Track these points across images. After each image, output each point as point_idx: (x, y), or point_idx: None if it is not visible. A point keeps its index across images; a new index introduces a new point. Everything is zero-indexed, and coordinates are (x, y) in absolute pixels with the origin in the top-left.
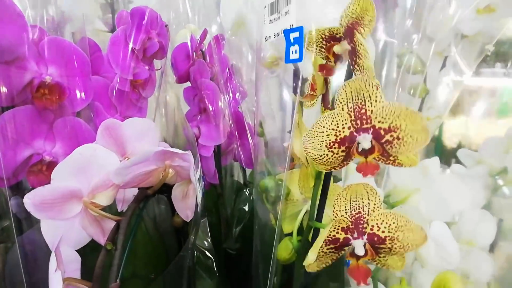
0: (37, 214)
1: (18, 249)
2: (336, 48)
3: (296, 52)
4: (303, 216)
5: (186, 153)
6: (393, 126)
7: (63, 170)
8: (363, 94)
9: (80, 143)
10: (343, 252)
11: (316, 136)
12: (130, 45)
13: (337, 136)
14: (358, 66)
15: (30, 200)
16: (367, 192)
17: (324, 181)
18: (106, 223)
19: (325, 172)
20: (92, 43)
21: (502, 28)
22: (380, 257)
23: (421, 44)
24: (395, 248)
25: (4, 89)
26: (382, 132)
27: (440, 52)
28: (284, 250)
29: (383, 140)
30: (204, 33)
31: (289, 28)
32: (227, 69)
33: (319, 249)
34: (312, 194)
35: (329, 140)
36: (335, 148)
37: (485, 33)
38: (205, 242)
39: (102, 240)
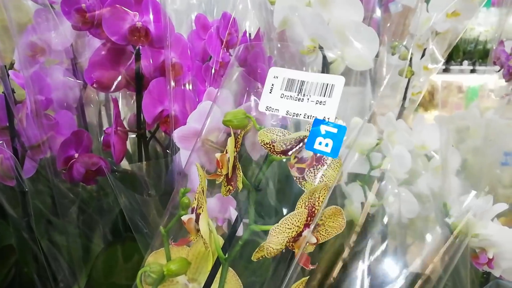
0: (179, 144)
1: (170, 165)
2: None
3: (327, 146)
4: None
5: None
6: (322, 223)
7: (193, 117)
8: (315, 195)
9: (185, 103)
10: None
11: (283, 232)
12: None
13: (297, 232)
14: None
15: (176, 134)
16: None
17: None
18: (212, 154)
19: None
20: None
21: (464, 27)
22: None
23: (406, 39)
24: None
25: (150, 67)
26: (316, 227)
27: (421, 45)
28: None
29: (315, 232)
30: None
31: (322, 119)
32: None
33: None
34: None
35: (291, 236)
36: (289, 243)
37: (452, 30)
38: None
39: (208, 167)
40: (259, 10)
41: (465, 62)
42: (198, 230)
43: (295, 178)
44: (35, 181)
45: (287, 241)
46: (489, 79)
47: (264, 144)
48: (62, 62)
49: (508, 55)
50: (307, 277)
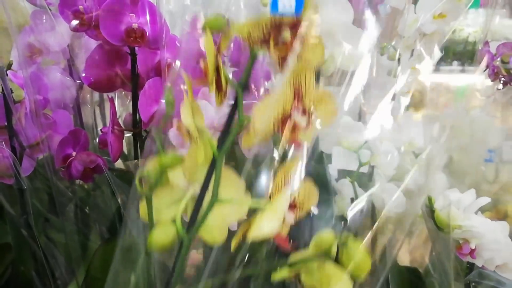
0: (174, 143)
1: None
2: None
3: (291, 7)
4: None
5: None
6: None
7: None
8: (299, 76)
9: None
10: None
11: (267, 109)
12: None
13: (283, 114)
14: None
15: (171, 133)
16: None
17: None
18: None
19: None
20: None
21: (450, 29)
22: None
23: (395, 40)
24: None
25: (146, 67)
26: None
27: (409, 46)
28: (162, 234)
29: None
30: None
31: None
32: None
33: None
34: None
35: (276, 115)
36: (276, 125)
37: (438, 32)
38: None
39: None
40: (252, 12)
41: (455, 63)
42: (188, 132)
43: (276, 64)
44: (33, 179)
45: (273, 122)
46: (475, 79)
47: (243, 39)
48: (59, 63)
49: (493, 55)
50: None
